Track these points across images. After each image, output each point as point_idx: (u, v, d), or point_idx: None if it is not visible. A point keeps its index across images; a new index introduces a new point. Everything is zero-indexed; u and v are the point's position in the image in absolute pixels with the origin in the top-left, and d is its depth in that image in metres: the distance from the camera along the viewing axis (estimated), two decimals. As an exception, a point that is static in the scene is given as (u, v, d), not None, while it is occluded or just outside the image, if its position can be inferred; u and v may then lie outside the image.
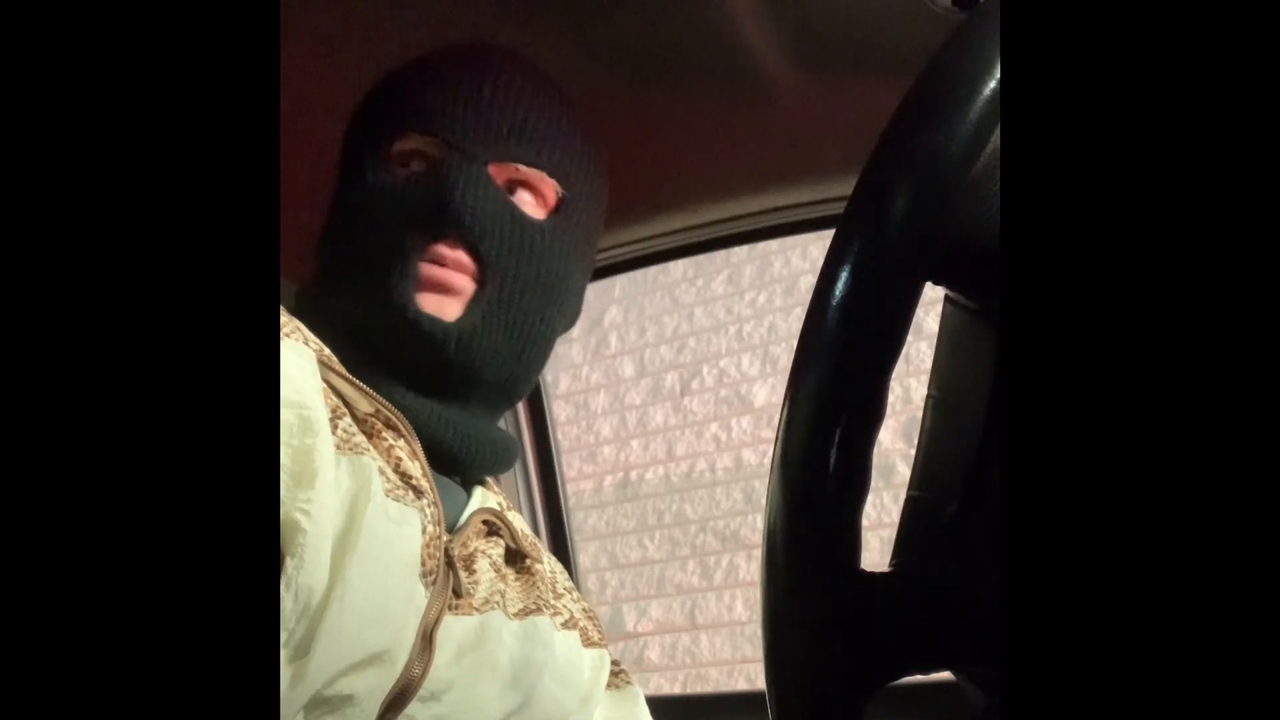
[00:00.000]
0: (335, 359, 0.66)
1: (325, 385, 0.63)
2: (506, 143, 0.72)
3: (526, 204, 0.74)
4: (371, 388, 0.66)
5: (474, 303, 0.71)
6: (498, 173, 0.72)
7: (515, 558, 0.76)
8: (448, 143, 0.71)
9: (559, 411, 3.35)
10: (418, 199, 0.70)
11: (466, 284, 0.71)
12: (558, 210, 0.75)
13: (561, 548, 1.36)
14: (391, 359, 0.70)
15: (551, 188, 0.75)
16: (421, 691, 0.62)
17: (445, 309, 0.70)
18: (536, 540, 0.82)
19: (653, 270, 2.76)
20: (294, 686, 0.55)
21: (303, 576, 0.54)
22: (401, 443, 0.66)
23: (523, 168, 0.73)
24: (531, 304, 0.73)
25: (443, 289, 0.70)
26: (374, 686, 0.59)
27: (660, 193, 1.11)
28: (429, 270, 0.70)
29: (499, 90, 0.74)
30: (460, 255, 0.70)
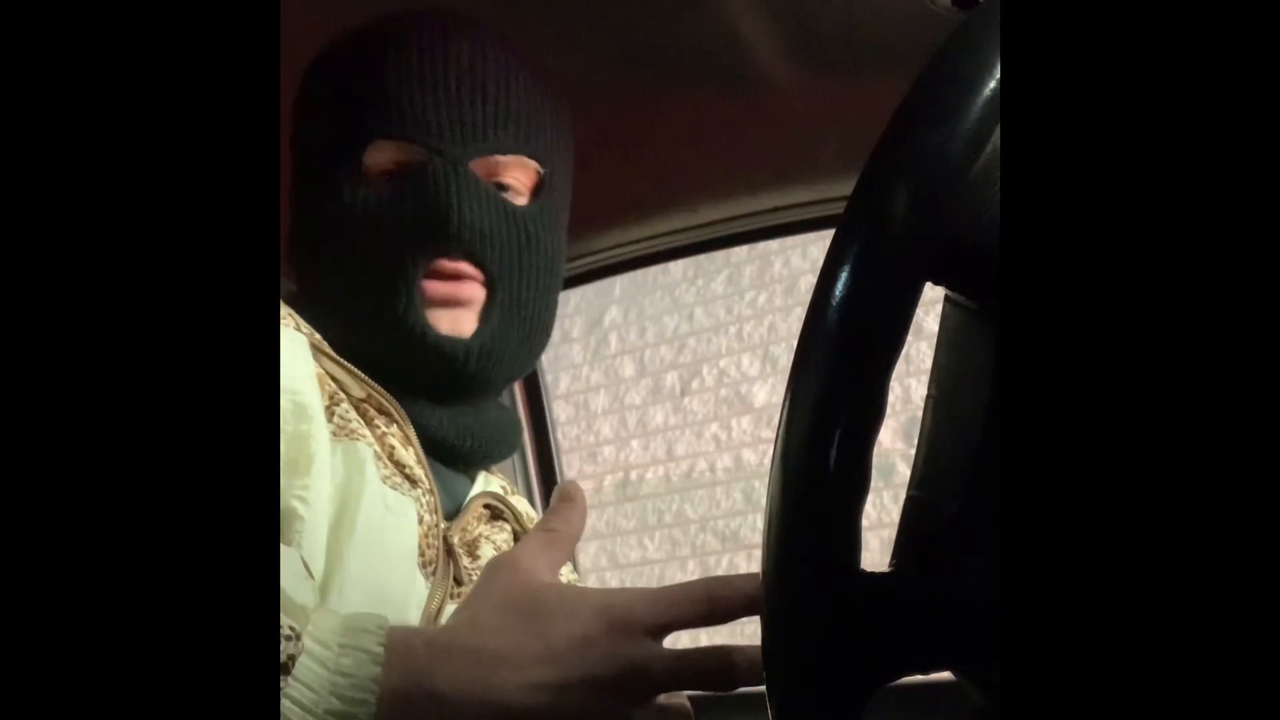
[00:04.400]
0: (326, 343, 0.65)
1: (320, 370, 0.62)
2: (484, 136, 0.69)
3: (511, 192, 0.71)
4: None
5: (487, 310, 0.69)
6: (480, 168, 0.69)
7: None
8: (425, 147, 0.67)
9: (559, 411, 3.35)
10: (411, 216, 0.67)
11: (477, 291, 0.69)
12: (540, 189, 0.72)
13: (562, 548, 1.36)
14: (400, 375, 0.68)
15: (532, 169, 0.71)
16: None
17: (461, 324, 0.68)
18: None
19: (653, 270, 2.76)
20: None
21: None
22: (394, 429, 0.65)
23: (503, 157, 0.70)
24: (538, 295, 0.72)
25: (454, 303, 0.68)
26: None
27: (660, 193, 1.11)
28: (436, 287, 0.67)
29: (464, 76, 0.69)
30: (464, 266, 0.68)
